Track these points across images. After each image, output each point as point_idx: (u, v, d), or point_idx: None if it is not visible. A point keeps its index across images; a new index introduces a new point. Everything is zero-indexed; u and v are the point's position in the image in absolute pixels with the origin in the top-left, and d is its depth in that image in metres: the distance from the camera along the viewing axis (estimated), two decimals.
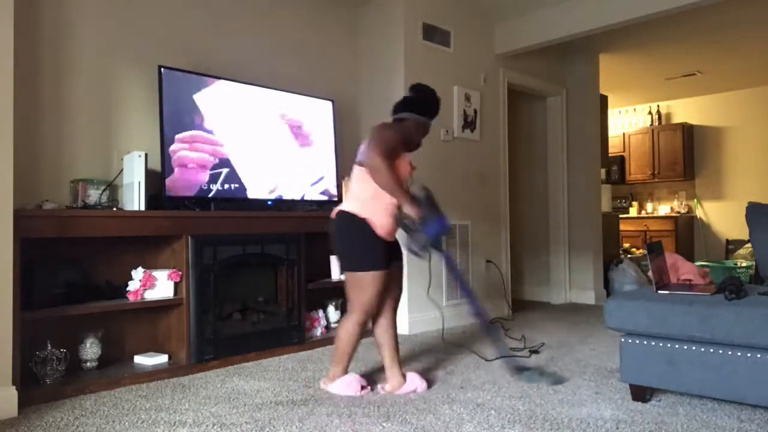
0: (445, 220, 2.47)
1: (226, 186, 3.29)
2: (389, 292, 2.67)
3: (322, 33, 4.28)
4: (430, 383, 2.74)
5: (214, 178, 3.24)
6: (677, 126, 7.66)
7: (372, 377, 2.88)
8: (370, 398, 2.53)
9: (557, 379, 2.77)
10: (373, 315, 2.66)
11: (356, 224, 2.50)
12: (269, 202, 3.52)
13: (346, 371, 2.66)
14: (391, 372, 2.64)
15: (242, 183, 3.37)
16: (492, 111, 4.85)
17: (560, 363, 3.12)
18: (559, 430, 2.12)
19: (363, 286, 2.50)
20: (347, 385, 2.60)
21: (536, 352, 3.38)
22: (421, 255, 2.48)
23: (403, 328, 4.05)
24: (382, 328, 2.67)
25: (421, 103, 2.64)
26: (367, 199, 2.51)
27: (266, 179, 3.51)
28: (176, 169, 3.07)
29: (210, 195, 3.21)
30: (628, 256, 6.27)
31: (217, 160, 3.26)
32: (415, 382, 2.64)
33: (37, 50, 2.89)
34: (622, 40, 5.31)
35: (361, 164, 2.53)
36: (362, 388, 2.60)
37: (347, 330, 2.59)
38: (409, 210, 2.41)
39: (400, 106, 2.66)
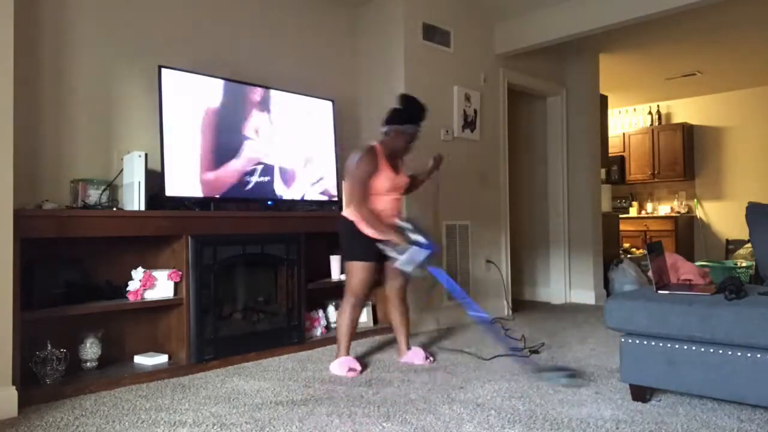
0: (425, 247, 2.89)
1: (258, 180, 3.38)
2: (392, 282, 3.18)
3: (322, 33, 4.28)
4: (434, 357, 3.21)
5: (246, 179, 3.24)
6: (677, 126, 7.66)
7: (365, 362, 3.10)
8: (370, 398, 2.53)
9: (577, 381, 2.74)
10: (388, 302, 3.23)
11: (349, 226, 3.03)
12: (269, 202, 3.52)
13: (347, 352, 3.04)
14: (401, 345, 3.22)
15: (246, 184, 3.38)
16: (492, 111, 4.85)
17: (560, 363, 3.12)
18: (559, 430, 2.12)
19: (353, 272, 3.04)
20: (339, 364, 2.98)
21: (536, 352, 3.38)
22: (409, 274, 2.98)
23: None
24: (393, 311, 3.22)
25: (400, 113, 3.07)
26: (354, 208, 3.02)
27: (267, 178, 3.52)
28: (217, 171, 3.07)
29: (243, 193, 3.26)
30: (628, 256, 6.27)
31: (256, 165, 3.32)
32: (417, 355, 3.16)
33: (37, 50, 2.89)
34: (622, 40, 5.31)
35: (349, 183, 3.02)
36: (350, 370, 2.93)
37: (342, 312, 3.06)
38: (390, 237, 2.93)
39: (387, 120, 3.09)
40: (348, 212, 3.05)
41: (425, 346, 3.49)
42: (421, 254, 2.89)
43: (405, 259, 2.89)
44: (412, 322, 3.50)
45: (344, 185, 3.05)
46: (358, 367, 2.97)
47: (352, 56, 4.49)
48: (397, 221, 3.03)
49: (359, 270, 3.01)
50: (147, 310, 3.13)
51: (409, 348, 3.22)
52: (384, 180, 3.02)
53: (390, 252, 2.95)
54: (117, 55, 3.18)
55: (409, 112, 3.07)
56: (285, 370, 3.05)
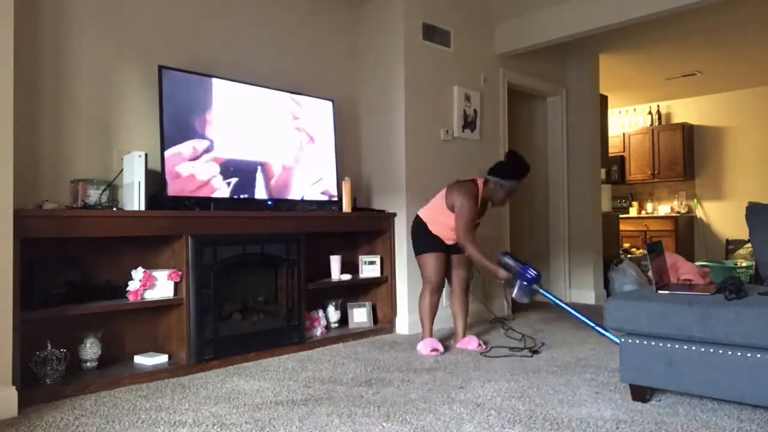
0: (530, 273, 3.21)
1: (258, 180, 3.41)
2: (457, 273, 3.58)
3: (322, 33, 4.28)
4: (486, 345, 3.57)
5: (224, 185, 3.24)
6: (677, 126, 7.66)
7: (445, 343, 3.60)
8: (370, 398, 2.53)
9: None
10: (450, 292, 3.63)
11: (422, 225, 3.51)
12: (269, 202, 3.52)
13: (430, 334, 3.48)
14: (458, 332, 3.59)
15: (246, 184, 3.38)
16: (492, 111, 4.85)
17: (561, 362, 3.12)
18: (559, 430, 2.12)
19: (425, 263, 3.48)
20: (423, 345, 3.40)
21: (537, 352, 3.38)
22: (526, 302, 3.32)
23: (403, 328, 4.06)
24: (454, 301, 3.61)
25: (506, 168, 3.41)
26: (431, 217, 3.50)
27: (267, 179, 3.52)
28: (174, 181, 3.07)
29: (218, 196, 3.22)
30: (628, 256, 6.27)
31: (227, 169, 3.27)
32: (471, 341, 3.49)
33: (37, 50, 2.89)
34: (622, 40, 5.31)
35: (450, 206, 3.42)
36: (433, 349, 3.35)
37: (421, 299, 3.51)
38: (499, 275, 3.28)
39: (490, 170, 3.46)
40: (423, 214, 3.52)
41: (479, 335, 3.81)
42: (527, 283, 3.22)
43: (518, 292, 3.24)
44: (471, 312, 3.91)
45: (438, 198, 3.51)
46: (441, 348, 3.38)
47: (352, 56, 4.49)
48: (501, 258, 3.35)
49: (430, 260, 3.45)
50: (147, 310, 3.13)
51: (464, 335, 3.56)
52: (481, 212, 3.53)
53: (505, 287, 3.32)
54: (117, 55, 3.18)
55: (513, 170, 3.39)
56: (285, 370, 3.05)
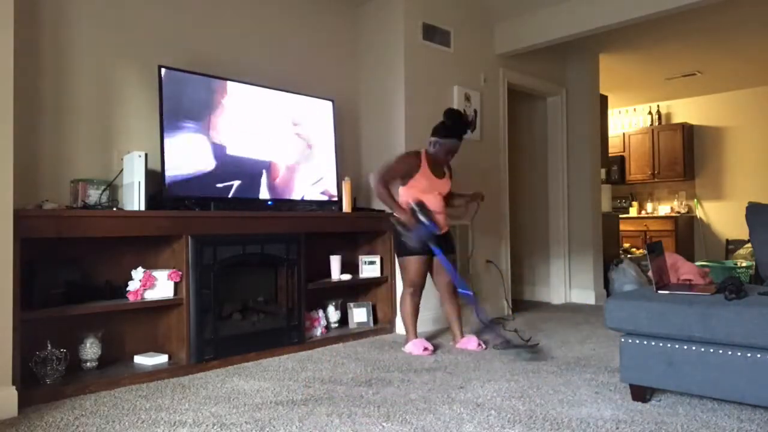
0: (429, 227, 3.31)
1: (258, 180, 3.44)
2: (439, 277, 3.55)
3: (322, 33, 4.28)
4: (486, 345, 3.52)
5: (226, 189, 3.24)
6: (677, 126, 7.67)
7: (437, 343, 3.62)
8: (370, 398, 2.53)
9: (538, 356, 3.27)
10: (440, 296, 3.61)
11: (401, 225, 3.43)
12: (269, 202, 3.52)
13: (415, 335, 3.49)
14: (455, 332, 3.59)
15: (247, 183, 3.38)
16: (492, 111, 4.85)
17: (561, 362, 3.12)
18: (559, 430, 2.12)
19: (405, 267, 3.47)
20: (413, 345, 3.41)
21: (535, 344, 3.39)
22: (415, 246, 3.39)
23: (401, 328, 4.05)
24: (445, 304, 3.60)
25: (443, 126, 3.44)
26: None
27: (267, 179, 3.52)
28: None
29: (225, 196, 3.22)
30: (628, 256, 6.27)
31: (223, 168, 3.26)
32: (470, 341, 3.49)
33: (37, 50, 2.89)
34: (622, 40, 5.31)
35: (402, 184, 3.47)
36: (425, 349, 3.36)
37: (403, 302, 3.52)
38: (400, 216, 3.37)
39: (432, 131, 3.47)
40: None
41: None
42: (423, 232, 3.32)
43: (409, 234, 3.36)
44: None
45: (399, 189, 3.49)
46: (431, 347, 3.40)
47: (352, 56, 4.49)
48: (411, 202, 3.37)
49: (413, 263, 3.43)
50: (147, 310, 3.13)
51: (462, 335, 3.56)
52: (421, 179, 3.43)
53: (399, 228, 3.42)
54: (117, 55, 3.18)
55: (450, 127, 3.42)
56: (285, 370, 3.05)
